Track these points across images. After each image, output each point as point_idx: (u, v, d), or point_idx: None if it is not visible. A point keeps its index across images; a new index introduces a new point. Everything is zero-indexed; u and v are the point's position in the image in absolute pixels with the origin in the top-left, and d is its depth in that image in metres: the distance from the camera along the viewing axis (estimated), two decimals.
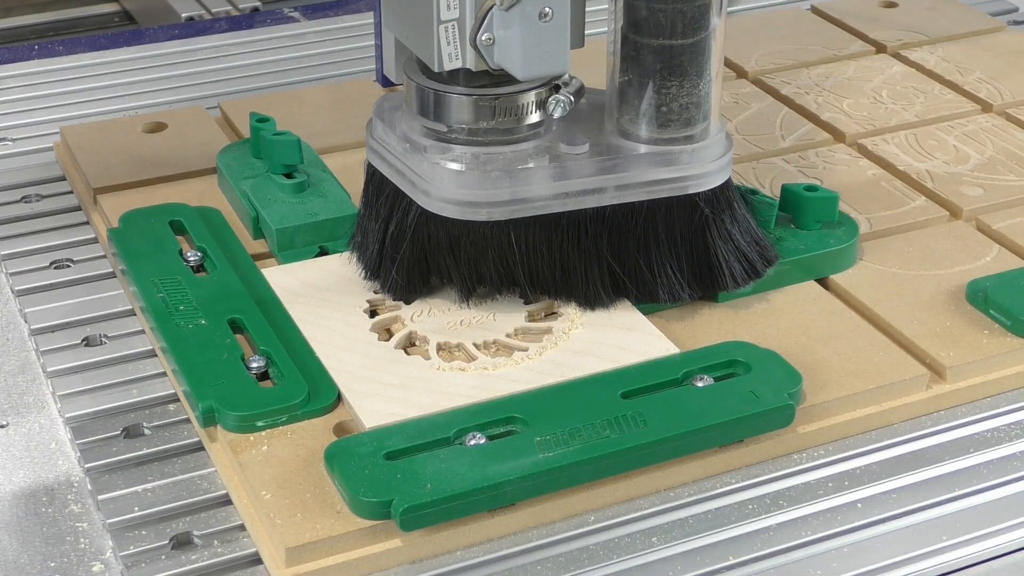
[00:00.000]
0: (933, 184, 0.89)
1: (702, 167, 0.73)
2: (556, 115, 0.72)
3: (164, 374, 0.74)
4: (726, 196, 0.75)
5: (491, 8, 0.68)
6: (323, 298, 0.76)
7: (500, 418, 0.67)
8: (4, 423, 0.72)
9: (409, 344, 0.74)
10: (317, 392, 0.69)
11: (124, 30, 1.31)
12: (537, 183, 0.72)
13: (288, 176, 0.84)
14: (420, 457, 0.64)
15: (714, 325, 0.76)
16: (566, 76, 0.72)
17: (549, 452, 0.64)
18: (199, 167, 0.90)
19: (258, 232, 0.83)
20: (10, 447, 0.71)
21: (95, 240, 0.86)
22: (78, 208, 0.90)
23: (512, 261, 0.74)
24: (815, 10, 1.14)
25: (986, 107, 0.98)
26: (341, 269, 0.78)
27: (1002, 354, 0.74)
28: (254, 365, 0.71)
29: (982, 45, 1.07)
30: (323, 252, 0.81)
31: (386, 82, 0.76)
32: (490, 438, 0.65)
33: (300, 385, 0.69)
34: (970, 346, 0.74)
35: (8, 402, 0.74)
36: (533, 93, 0.72)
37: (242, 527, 0.65)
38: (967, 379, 0.73)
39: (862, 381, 0.71)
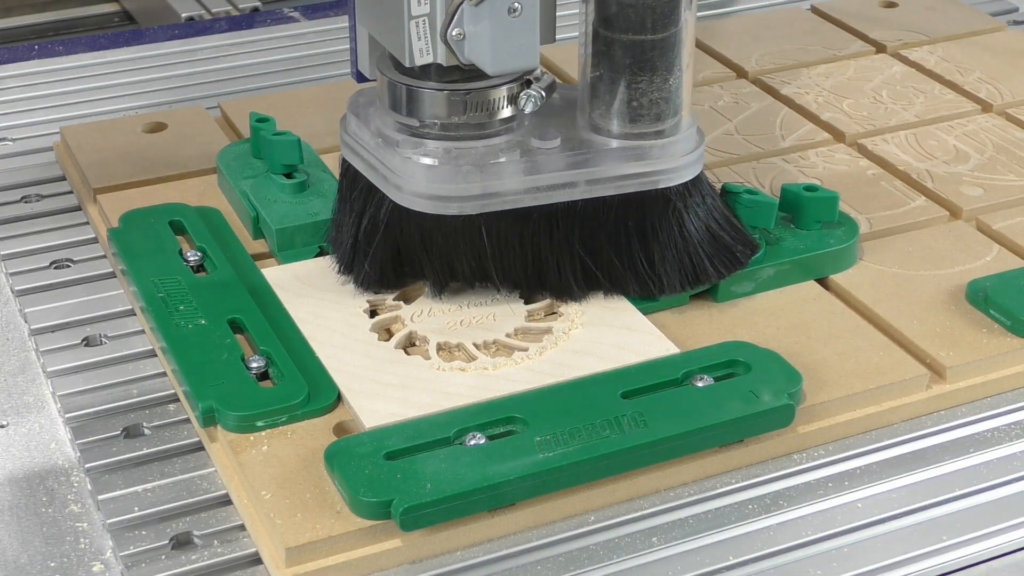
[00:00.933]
0: (933, 184, 0.89)
1: (673, 161, 0.74)
2: (527, 110, 0.73)
3: (164, 374, 0.74)
4: (698, 190, 0.75)
5: (461, 4, 0.69)
6: (323, 298, 0.76)
7: (500, 418, 0.67)
8: (4, 423, 0.72)
9: (409, 344, 0.74)
10: (317, 392, 0.69)
11: (124, 30, 1.30)
12: (508, 177, 0.72)
13: (288, 176, 0.84)
14: (420, 457, 0.64)
15: (714, 325, 0.76)
16: (538, 71, 0.73)
17: (549, 452, 0.64)
18: (199, 167, 0.90)
19: (258, 232, 0.83)
20: (10, 447, 0.71)
21: (95, 240, 0.86)
22: (78, 208, 0.90)
23: (484, 255, 0.74)
24: (815, 10, 1.14)
25: (986, 107, 0.98)
26: None
27: (1002, 354, 0.74)
28: (254, 365, 0.71)
29: (982, 45, 1.07)
30: (323, 252, 0.81)
31: (361, 78, 0.77)
32: (490, 438, 0.65)
33: (300, 385, 0.69)
34: (970, 346, 0.74)
35: (8, 402, 0.74)
36: (504, 88, 0.72)
37: (242, 527, 0.65)
38: (967, 379, 0.73)
39: (862, 381, 0.71)
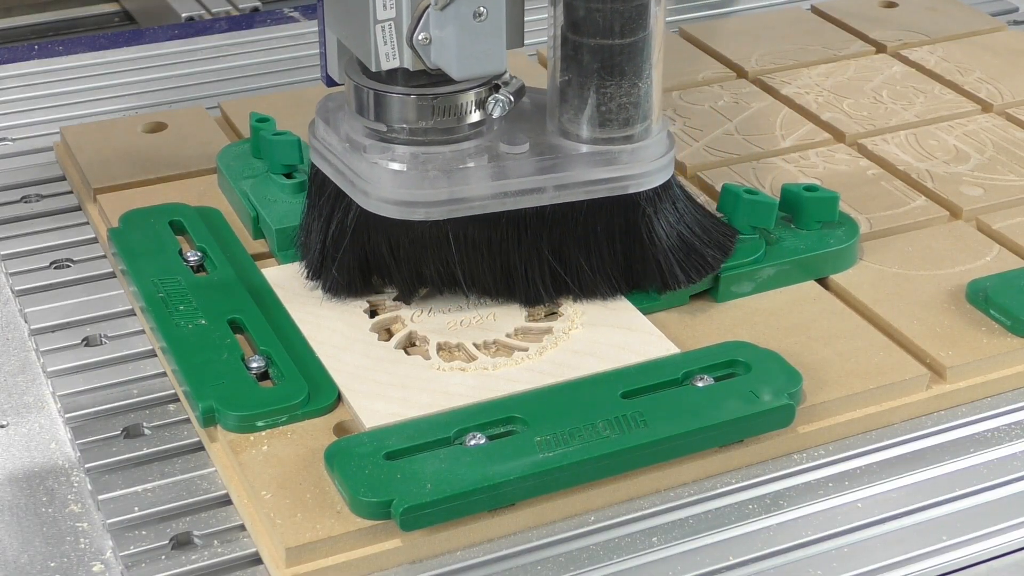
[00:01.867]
0: (933, 184, 0.89)
1: (642, 167, 0.73)
2: (496, 114, 0.73)
3: (164, 374, 0.74)
4: (669, 194, 0.75)
5: (427, 8, 0.68)
6: (323, 298, 0.76)
7: (500, 418, 0.67)
8: (4, 423, 0.72)
9: (409, 344, 0.74)
10: (317, 392, 0.69)
11: (124, 30, 1.30)
12: (476, 183, 0.72)
13: (288, 176, 0.84)
14: (420, 457, 0.64)
15: (714, 325, 0.76)
16: (507, 76, 0.73)
17: (549, 452, 0.64)
18: (199, 167, 0.90)
19: (258, 232, 0.83)
20: (10, 447, 0.71)
21: (95, 240, 0.86)
22: (78, 208, 0.90)
23: (452, 261, 0.74)
24: (815, 10, 1.14)
25: (986, 107, 0.98)
26: None
27: (1002, 354, 0.74)
28: (254, 365, 0.71)
29: (982, 45, 1.07)
30: None
31: (330, 82, 0.77)
32: (490, 438, 0.65)
33: (300, 385, 0.69)
34: (970, 346, 0.74)
35: (8, 402, 0.74)
36: (472, 92, 0.72)
37: (242, 527, 0.65)
38: (967, 379, 0.73)
39: (862, 381, 0.71)
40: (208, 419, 0.68)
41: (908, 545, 0.64)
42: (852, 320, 0.76)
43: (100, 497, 0.66)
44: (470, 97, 0.72)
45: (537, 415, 0.66)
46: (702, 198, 0.86)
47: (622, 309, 0.75)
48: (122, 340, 0.77)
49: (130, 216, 0.83)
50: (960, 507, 0.66)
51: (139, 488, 0.66)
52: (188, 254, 0.79)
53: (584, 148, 0.73)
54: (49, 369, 0.75)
